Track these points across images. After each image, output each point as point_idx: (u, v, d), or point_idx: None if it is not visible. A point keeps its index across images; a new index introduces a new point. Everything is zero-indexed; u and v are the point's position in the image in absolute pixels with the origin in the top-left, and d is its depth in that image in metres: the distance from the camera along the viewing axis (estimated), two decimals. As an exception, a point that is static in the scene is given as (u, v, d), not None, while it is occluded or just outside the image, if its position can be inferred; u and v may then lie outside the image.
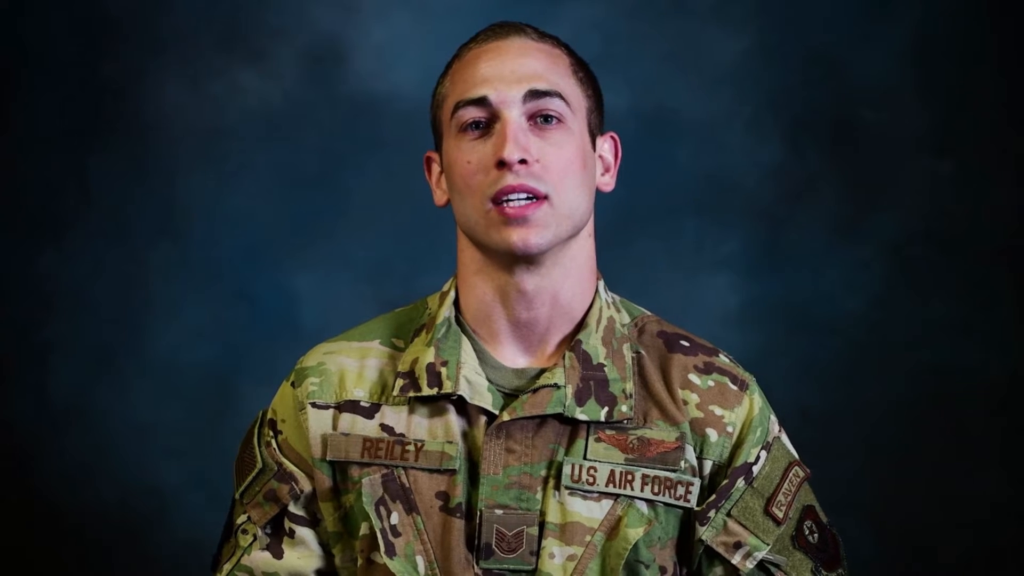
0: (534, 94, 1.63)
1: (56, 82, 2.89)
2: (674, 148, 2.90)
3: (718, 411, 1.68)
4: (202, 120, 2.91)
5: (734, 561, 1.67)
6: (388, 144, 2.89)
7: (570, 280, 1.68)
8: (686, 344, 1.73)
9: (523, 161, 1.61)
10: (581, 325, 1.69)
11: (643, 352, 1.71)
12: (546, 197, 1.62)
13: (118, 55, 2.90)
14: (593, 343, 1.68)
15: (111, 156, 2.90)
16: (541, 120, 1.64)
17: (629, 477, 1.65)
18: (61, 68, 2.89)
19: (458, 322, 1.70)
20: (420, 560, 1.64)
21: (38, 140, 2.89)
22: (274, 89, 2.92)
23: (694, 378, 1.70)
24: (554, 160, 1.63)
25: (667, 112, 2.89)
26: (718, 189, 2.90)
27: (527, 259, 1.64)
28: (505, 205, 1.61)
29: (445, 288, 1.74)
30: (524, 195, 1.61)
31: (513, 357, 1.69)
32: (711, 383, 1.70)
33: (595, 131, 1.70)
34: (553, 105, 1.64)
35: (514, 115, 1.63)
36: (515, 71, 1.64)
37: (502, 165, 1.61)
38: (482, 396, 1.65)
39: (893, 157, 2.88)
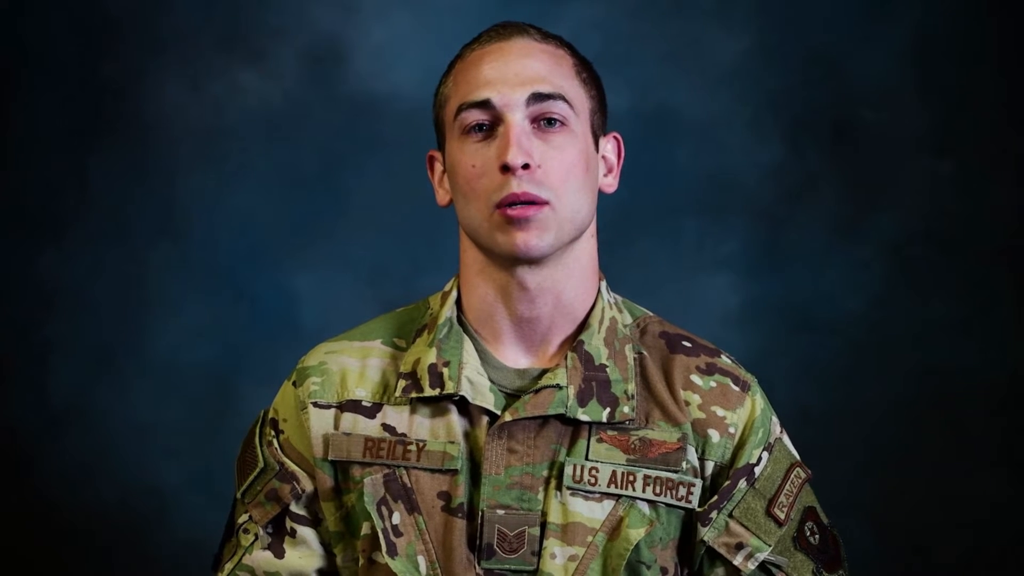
0: (537, 97, 1.63)
1: (56, 82, 2.89)
2: (674, 148, 2.90)
3: (720, 412, 1.68)
4: (202, 120, 2.90)
5: (735, 562, 1.67)
6: (388, 144, 2.89)
7: (572, 280, 1.68)
8: (688, 345, 1.73)
9: (526, 165, 1.61)
10: (583, 326, 1.69)
11: (645, 353, 1.71)
12: (548, 203, 1.62)
13: (118, 55, 2.89)
14: (595, 344, 1.68)
15: (111, 156, 2.90)
16: (544, 123, 1.64)
17: (631, 478, 1.65)
18: (61, 68, 2.89)
19: (460, 322, 1.70)
20: (422, 560, 1.64)
21: (38, 140, 2.89)
22: (274, 89, 2.91)
23: (696, 379, 1.70)
24: (556, 165, 1.63)
25: (667, 112, 2.89)
26: (718, 189, 2.90)
27: (529, 260, 1.64)
28: (508, 208, 1.61)
29: (447, 288, 1.73)
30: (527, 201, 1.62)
31: (515, 357, 1.69)
32: (713, 384, 1.70)
33: (598, 132, 1.70)
34: (556, 108, 1.64)
35: (517, 118, 1.62)
36: (518, 73, 1.64)
37: (506, 169, 1.61)
38: (484, 396, 1.65)
39: (893, 157, 2.88)
